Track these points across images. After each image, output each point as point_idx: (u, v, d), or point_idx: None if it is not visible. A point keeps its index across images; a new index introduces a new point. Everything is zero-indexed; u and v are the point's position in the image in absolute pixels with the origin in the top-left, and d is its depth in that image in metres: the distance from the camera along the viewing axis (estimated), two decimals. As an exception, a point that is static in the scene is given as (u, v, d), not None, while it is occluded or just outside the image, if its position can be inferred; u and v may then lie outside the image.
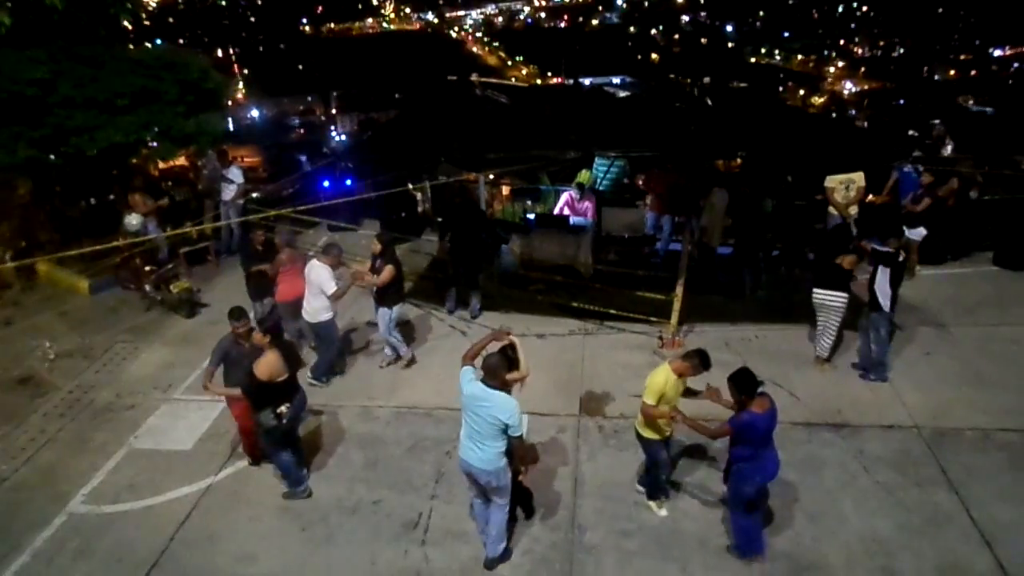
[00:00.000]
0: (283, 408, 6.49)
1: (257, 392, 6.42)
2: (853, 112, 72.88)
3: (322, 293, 8.36)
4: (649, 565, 6.18)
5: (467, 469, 5.89)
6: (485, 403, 5.61)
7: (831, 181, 10.85)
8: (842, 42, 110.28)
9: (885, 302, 8.14)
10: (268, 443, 6.81)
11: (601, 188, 13.18)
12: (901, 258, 8.18)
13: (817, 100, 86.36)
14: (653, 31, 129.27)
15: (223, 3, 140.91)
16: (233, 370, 6.96)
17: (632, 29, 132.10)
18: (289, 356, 6.50)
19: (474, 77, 15.60)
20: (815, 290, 8.66)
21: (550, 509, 6.83)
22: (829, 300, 8.53)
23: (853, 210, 11.00)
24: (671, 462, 6.81)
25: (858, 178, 10.83)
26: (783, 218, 11.57)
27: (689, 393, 6.37)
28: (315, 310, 8.50)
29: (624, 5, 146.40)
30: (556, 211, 11.74)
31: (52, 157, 11.72)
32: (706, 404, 6.39)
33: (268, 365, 6.35)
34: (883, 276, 8.07)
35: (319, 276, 8.33)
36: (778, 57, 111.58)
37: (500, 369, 5.75)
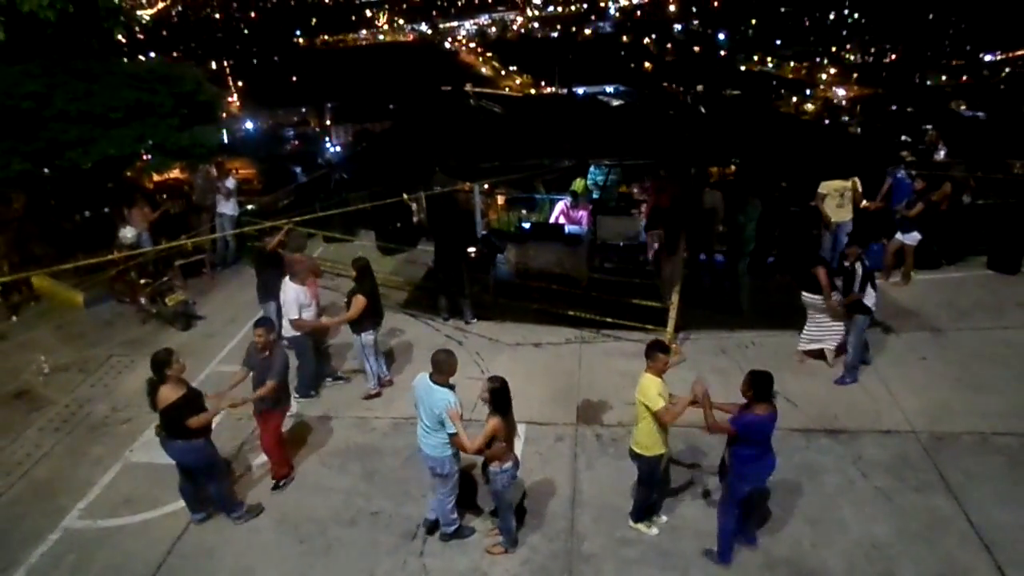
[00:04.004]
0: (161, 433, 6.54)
1: None
2: (846, 118, 73.14)
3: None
4: (648, 574, 6.16)
5: (420, 452, 6.32)
6: (427, 396, 6.09)
7: (825, 187, 10.90)
8: (834, 49, 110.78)
9: (869, 301, 8.33)
10: None
11: (601, 196, 13.19)
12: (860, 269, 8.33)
13: (810, 107, 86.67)
14: (646, 40, 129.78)
15: (217, 16, 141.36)
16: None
17: (625, 38, 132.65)
18: (149, 391, 6.37)
19: (468, 87, 15.67)
20: (802, 293, 8.96)
21: (548, 518, 6.81)
22: (812, 301, 8.85)
23: (848, 216, 11.05)
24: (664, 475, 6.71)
25: (853, 185, 10.89)
26: (775, 225, 11.59)
27: None
28: (287, 325, 8.46)
29: (617, 14, 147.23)
30: (551, 220, 11.75)
31: (46, 171, 11.72)
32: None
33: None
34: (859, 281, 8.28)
35: (285, 297, 8.35)
36: (770, 64, 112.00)
37: (444, 365, 6.13)
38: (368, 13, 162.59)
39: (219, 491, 6.88)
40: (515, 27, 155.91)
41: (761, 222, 10.37)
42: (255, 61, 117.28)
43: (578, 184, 11.82)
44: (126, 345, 10.52)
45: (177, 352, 6.48)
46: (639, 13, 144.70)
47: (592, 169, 13.13)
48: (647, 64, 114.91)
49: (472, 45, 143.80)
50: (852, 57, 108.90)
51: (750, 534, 6.36)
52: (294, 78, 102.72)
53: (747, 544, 6.33)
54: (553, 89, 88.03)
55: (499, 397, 5.87)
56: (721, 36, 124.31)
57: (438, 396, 6.01)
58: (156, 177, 15.12)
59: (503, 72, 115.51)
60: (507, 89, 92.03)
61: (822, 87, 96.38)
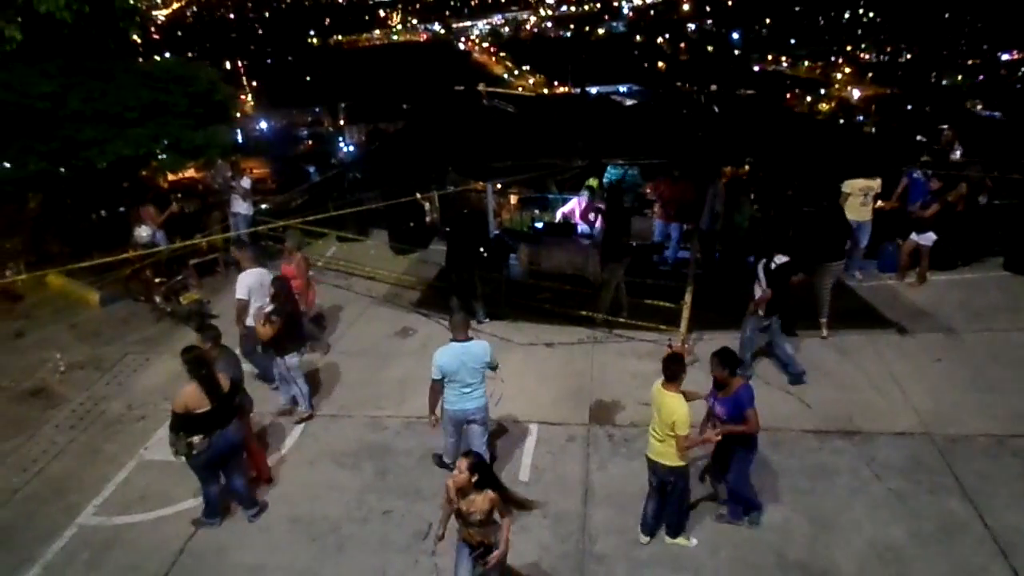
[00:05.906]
0: (195, 439, 6.25)
1: (172, 418, 6.29)
2: (861, 118, 72.64)
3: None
4: (660, 574, 6.15)
5: (462, 416, 6.86)
6: (465, 354, 6.66)
7: (849, 186, 10.81)
8: (849, 48, 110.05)
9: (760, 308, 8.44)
10: (192, 468, 6.58)
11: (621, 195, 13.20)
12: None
13: (825, 106, 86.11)
14: (659, 39, 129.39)
15: (231, 16, 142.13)
16: None
17: (638, 37, 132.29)
18: (211, 387, 6.22)
19: (481, 87, 15.67)
20: None
21: (560, 518, 6.80)
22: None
23: (869, 216, 10.98)
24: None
25: (876, 185, 10.82)
26: (788, 225, 11.52)
27: None
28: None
29: (630, 14, 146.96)
30: (566, 211, 11.69)
31: (62, 170, 11.81)
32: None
33: (183, 396, 6.19)
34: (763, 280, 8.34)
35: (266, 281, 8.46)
36: (785, 64, 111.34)
37: (465, 323, 6.83)
38: (381, 13, 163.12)
39: (244, 483, 6.89)
40: (528, 27, 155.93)
41: (766, 222, 10.30)
42: (269, 61, 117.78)
43: (593, 181, 11.81)
44: (141, 343, 10.59)
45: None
46: (653, 12, 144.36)
47: (610, 169, 13.11)
48: (661, 64, 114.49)
49: (485, 45, 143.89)
50: (867, 56, 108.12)
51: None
52: (308, 78, 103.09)
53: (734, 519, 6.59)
54: (566, 89, 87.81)
55: (484, 470, 5.14)
56: (735, 35, 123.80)
57: (475, 347, 6.72)
58: (171, 176, 15.20)
59: (516, 72, 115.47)
60: (520, 89, 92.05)
61: (837, 86, 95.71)
